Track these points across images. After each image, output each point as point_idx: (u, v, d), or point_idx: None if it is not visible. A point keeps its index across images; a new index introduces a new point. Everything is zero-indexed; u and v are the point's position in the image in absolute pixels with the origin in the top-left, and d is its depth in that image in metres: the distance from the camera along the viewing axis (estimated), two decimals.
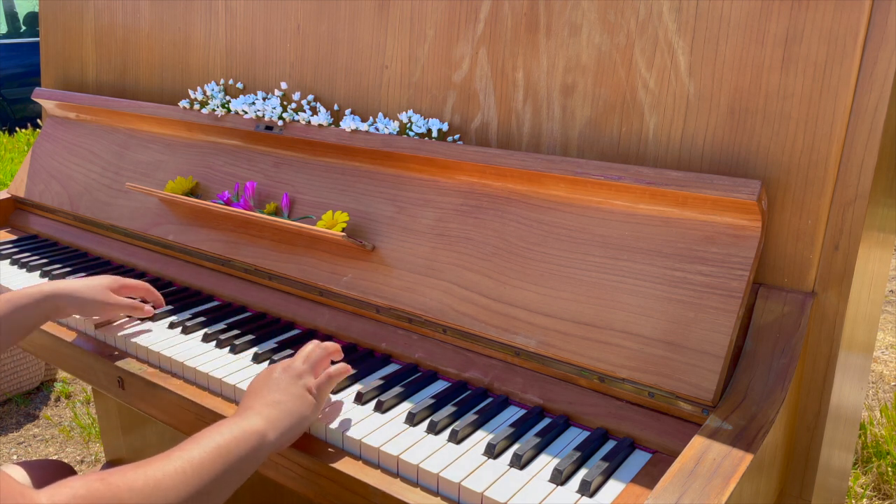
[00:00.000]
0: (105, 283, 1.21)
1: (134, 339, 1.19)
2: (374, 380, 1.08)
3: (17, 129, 7.02)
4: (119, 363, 1.18)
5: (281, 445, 0.90)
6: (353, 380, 1.07)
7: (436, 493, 0.86)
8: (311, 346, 1.01)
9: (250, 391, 0.94)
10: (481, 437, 0.94)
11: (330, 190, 1.30)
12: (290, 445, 0.95)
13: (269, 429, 0.87)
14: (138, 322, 1.26)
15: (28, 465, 1.24)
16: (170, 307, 1.30)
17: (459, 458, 0.89)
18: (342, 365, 1.01)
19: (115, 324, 1.25)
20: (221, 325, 1.24)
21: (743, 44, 0.96)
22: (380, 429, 0.95)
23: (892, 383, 2.96)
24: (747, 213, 0.92)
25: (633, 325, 0.95)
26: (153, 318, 1.26)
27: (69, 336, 1.27)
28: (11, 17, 7.87)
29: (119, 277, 1.24)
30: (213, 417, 1.04)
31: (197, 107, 1.53)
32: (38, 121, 7.02)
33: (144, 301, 1.30)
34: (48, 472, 1.25)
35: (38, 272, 1.50)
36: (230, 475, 0.82)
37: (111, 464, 2.18)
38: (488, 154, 1.12)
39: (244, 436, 0.84)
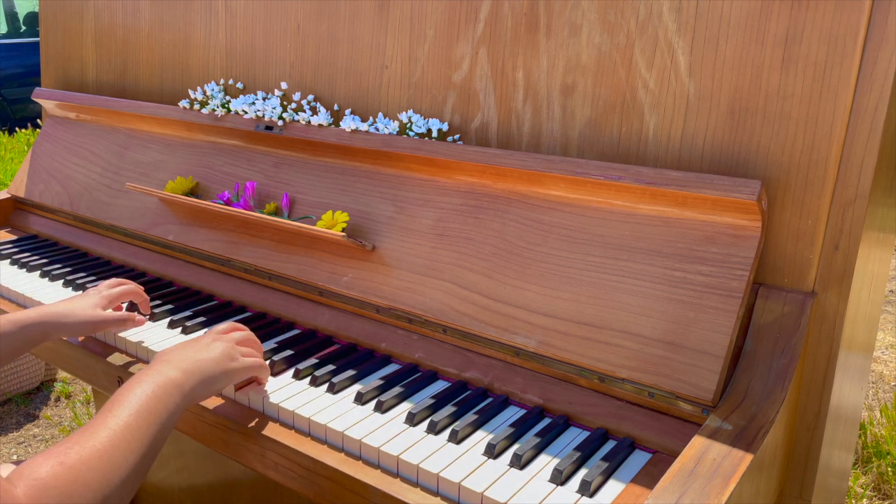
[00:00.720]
0: (93, 302, 1.19)
1: (134, 340, 1.19)
2: (374, 380, 1.08)
3: (17, 129, 7.02)
4: (119, 363, 1.18)
5: (194, 399, 0.93)
6: (353, 380, 1.07)
7: (436, 493, 0.86)
8: (247, 334, 1.06)
9: (175, 345, 0.98)
10: (481, 437, 0.94)
11: (330, 190, 1.30)
12: (291, 445, 0.95)
13: (185, 380, 0.91)
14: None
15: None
16: (170, 307, 1.30)
17: (459, 458, 0.89)
18: (266, 367, 1.04)
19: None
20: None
21: (743, 44, 0.96)
22: (380, 429, 0.95)
23: (892, 383, 2.96)
24: (747, 213, 0.92)
25: (633, 325, 0.95)
26: (153, 318, 1.26)
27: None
28: (11, 17, 7.87)
29: (108, 291, 1.22)
30: (213, 417, 1.04)
31: (197, 107, 1.53)
32: (38, 121, 7.02)
33: (134, 306, 1.30)
34: None
35: (38, 272, 1.50)
36: (161, 431, 0.85)
37: None
38: (488, 154, 1.12)
39: (164, 391, 0.88)
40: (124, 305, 1.29)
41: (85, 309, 1.17)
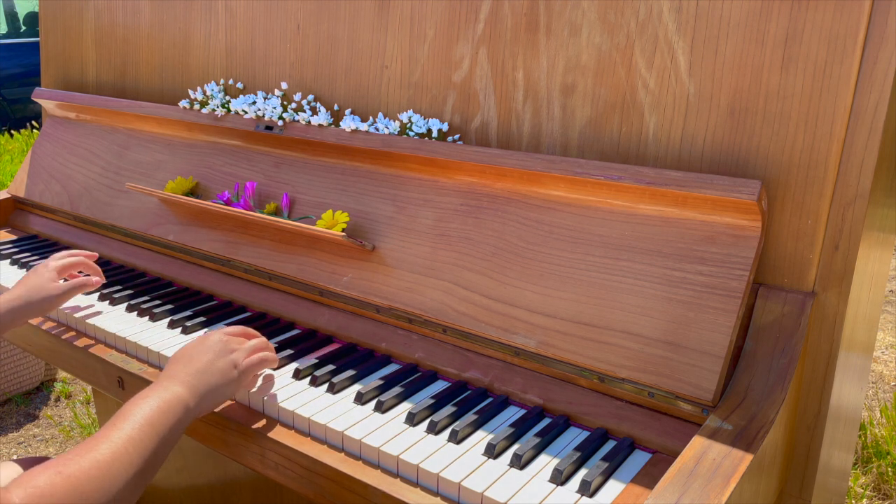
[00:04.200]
0: (49, 277, 1.23)
1: (134, 339, 1.19)
2: (374, 380, 1.08)
3: (15, 130, 7.02)
4: (119, 363, 1.18)
5: (200, 413, 0.95)
6: (353, 380, 1.07)
7: (436, 493, 0.86)
8: (261, 340, 1.07)
9: (179, 355, 0.99)
10: (481, 437, 0.94)
11: (330, 190, 1.30)
12: (291, 445, 0.95)
13: (190, 396, 0.93)
14: (139, 321, 1.26)
15: (25, 462, 1.24)
16: (170, 307, 1.30)
17: (459, 458, 0.89)
18: (275, 356, 1.06)
19: (113, 325, 1.25)
20: (221, 325, 1.24)
21: (743, 44, 0.96)
22: (380, 429, 0.95)
23: (892, 383, 2.96)
24: (747, 213, 0.92)
25: (633, 325, 0.95)
26: (153, 318, 1.26)
27: (69, 336, 1.27)
28: (11, 17, 7.86)
29: (57, 263, 1.26)
30: (213, 417, 1.04)
31: (197, 107, 1.53)
32: (34, 122, 7.01)
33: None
34: None
35: None
36: (163, 446, 0.87)
37: None
38: (488, 154, 1.12)
39: (169, 406, 0.89)
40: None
41: (43, 287, 1.21)
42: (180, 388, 0.92)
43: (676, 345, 0.92)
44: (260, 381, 1.06)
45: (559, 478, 0.85)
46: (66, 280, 1.28)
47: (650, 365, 0.93)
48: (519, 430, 0.95)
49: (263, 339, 1.07)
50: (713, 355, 0.90)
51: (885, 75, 0.88)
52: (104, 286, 1.41)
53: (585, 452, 0.90)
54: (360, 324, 1.20)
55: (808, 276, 0.95)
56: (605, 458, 0.88)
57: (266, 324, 1.26)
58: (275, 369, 1.08)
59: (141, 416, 0.86)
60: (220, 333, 1.03)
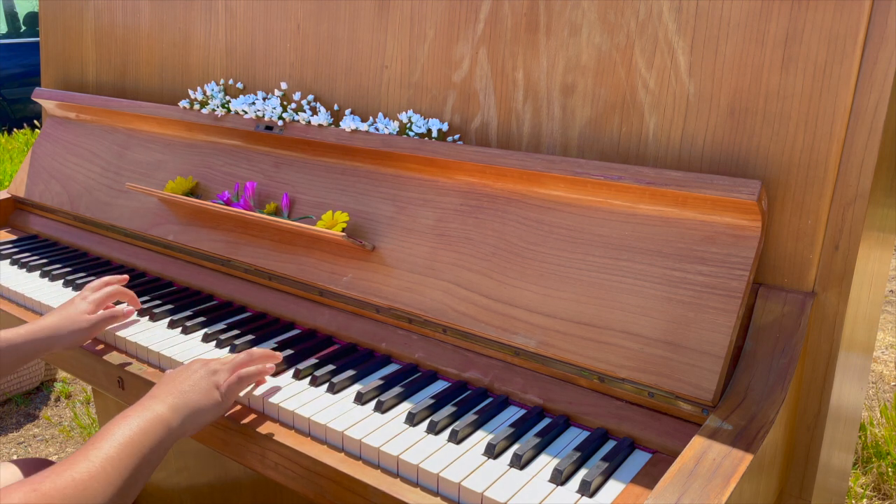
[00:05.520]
0: (82, 309, 1.20)
1: (134, 339, 1.19)
2: (374, 380, 1.08)
3: (15, 130, 7.01)
4: (119, 363, 1.18)
5: (184, 433, 0.94)
6: (353, 380, 1.07)
7: (436, 493, 0.86)
8: (243, 354, 1.05)
9: (164, 378, 0.99)
10: (481, 438, 0.94)
11: (330, 190, 1.30)
12: (291, 445, 0.95)
13: (172, 417, 0.92)
14: (139, 321, 1.26)
15: (24, 464, 1.24)
16: (170, 307, 1.30)
17: (459, 458, 0.89)
18: (257, 368, 1.04)
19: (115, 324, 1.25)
20: (221, 325, 1.24)
21: (743, 44, 0.96)
22: (380, 429, 0.95)
23: (892, 383, 2.96)
24: (747, 213, 0.92)
25: (632, 325, 0.95)
26: (153, 318, 1.26)
27: None
28: (11, 17, 7.86)
29: (94, 296, 1.22)
30: None
31: (197, 107, 1.53)
32: (36, 122, 7.01)
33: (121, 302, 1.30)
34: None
35: (38, 272, 1.50)
36: (144, 466, 0.86)
37: None
38: (488, 154, 1.12)
39: (151, 426, 0.89)
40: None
41: (75, 320, 1.17)
42: (162, 407, 0.91)
43: (676, 345, 0.92)
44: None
45: (559, 478, 0.85)
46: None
47: (650, 365, 0.93)
48: (519, 430, 0.95)
49: (250, 351, 1.05)
50: (713, 355, 0.90)
51: (885, 75, 0.88)
52: None
53: (585, 452, 0.90)
54: (360, 324, 1.20)
55: (808, 276, 0.95)
56: (605, 458, 0.88)
57: (266, 324, 1.27)
58: (258, 383, 1.06)
59: (122, 435, 0.85)
60: (203, 359, 1.02)
